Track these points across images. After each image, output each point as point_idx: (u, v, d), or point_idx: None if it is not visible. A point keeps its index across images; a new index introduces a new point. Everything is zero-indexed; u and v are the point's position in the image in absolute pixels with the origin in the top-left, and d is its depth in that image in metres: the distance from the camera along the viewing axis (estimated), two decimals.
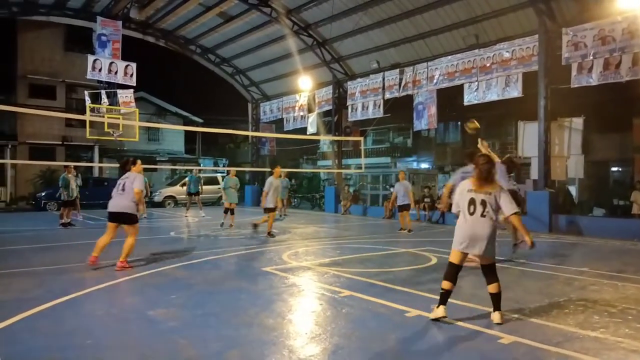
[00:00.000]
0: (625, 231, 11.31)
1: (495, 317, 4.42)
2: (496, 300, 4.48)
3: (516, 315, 4.64)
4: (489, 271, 4.51)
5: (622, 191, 16.52)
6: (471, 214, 4.43)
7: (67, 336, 4.05)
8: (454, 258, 4.56)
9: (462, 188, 4.59)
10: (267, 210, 11.00)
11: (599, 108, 15.65)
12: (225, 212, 13.16)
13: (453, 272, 4.54)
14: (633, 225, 12.01)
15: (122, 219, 6.92)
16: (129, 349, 3.80)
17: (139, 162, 7.34)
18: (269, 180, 10.89)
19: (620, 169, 19.58)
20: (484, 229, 4.38)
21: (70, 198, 13.24)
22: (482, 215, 4.39)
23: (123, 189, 6.90)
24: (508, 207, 4.42)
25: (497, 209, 4.45)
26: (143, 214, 10.05)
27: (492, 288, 4.48)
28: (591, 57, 11.98)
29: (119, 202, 6.89)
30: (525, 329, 4.26)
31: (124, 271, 6.67)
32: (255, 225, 11.62)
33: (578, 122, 13.72)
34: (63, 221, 13.18)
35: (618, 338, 4.02)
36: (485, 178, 4.46)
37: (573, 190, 17.71)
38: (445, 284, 4.50)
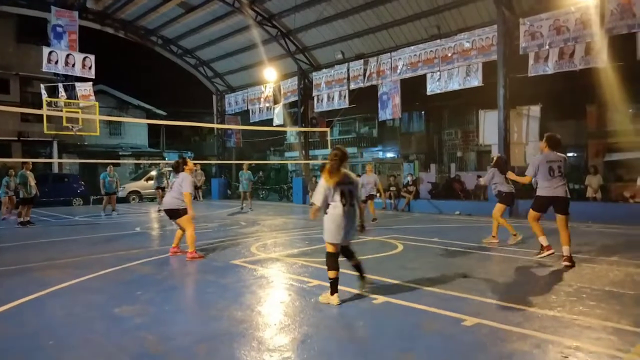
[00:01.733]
0: (580, 214, 11.75)
1: (361, 283, 5.09)
2: (360, 268, 5.05)
3: (479, 298, 4.81)
4: (348, 250, 4.97)
5: (578, 175, 17.17)
6: (344, 205, 4.68)
7: (29, 338, 3.94)
8: (332, 249, 4.76)
9: (325, 186, 4.69)
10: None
11: (555, 96, 16.22)
12: None
13: (335, 260, 4.75)
14: (587, 208, 12.55)
15: (170, 214, 7.48)
16: (94, 347, 3.73)
17: (189, 162, 7.61)
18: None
19: (575, 154, 20.34)
20: (354, 216, 4.81)
21: (29, 195, 12.81)
22: (351, 205, 4.76)
23: (171, 188, 7.50)
24: (361, 192, 5.24)
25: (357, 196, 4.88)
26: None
27: (355, 261, 5.02)
28: (547, 47, 12.39)
29: (166, 199, 7.59)
30: (487, 310, 4.42)
31: (184, 259, 7.29)
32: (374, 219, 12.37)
33: (535, 110, 14.21)
34: (21, 220, 12.73)
35: (573, 316, 4.22)
36: (338, 170, 4.69)
37: None
38: (332, 274, 4.71)
